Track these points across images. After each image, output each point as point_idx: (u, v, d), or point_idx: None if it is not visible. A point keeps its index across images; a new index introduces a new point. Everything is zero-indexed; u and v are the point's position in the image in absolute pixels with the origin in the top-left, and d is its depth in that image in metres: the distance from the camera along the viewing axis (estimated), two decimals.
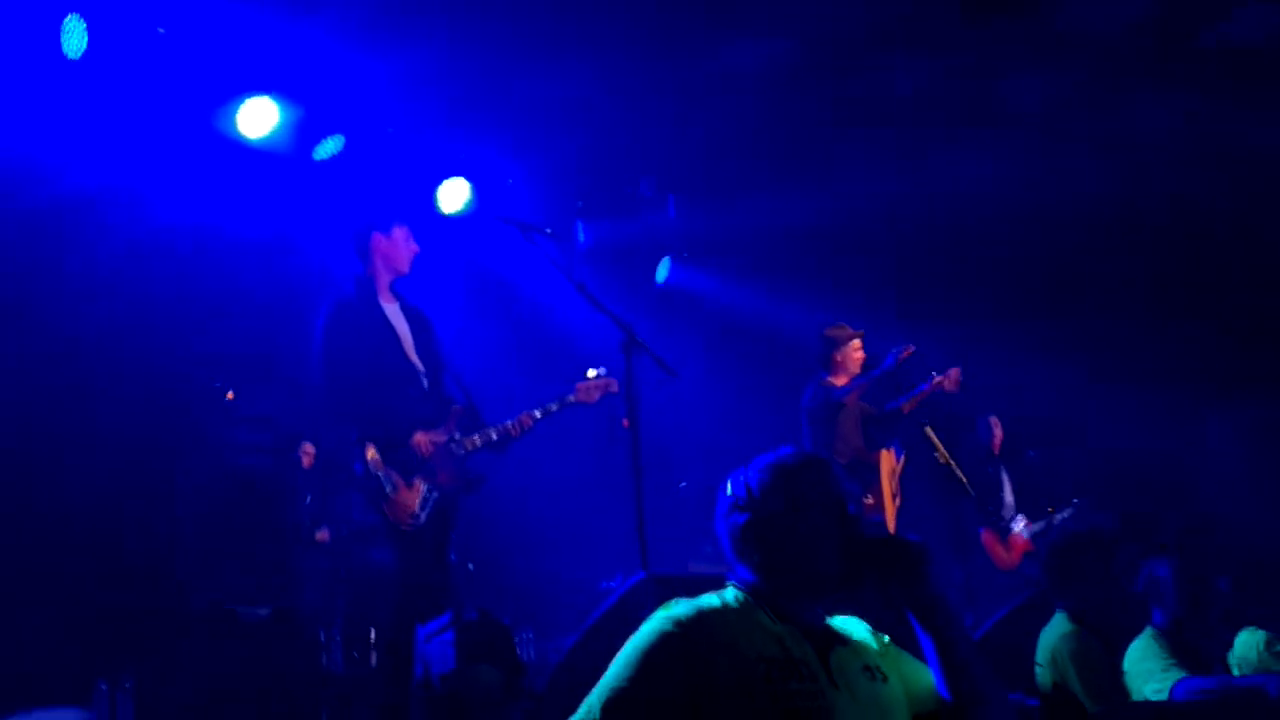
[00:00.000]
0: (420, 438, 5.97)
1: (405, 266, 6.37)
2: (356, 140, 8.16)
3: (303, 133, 7.91)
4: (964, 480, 7.59)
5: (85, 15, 6.59)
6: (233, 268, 7.82)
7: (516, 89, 8.04)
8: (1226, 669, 4.77)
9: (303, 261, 7.97)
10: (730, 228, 10.18)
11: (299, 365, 6.27)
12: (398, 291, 6.40)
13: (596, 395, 6.33)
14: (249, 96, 7.50)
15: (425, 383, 6.22)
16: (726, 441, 8.75)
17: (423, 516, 5.91)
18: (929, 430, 7.49)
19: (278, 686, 6.49)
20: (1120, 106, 8.63)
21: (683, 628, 2.59)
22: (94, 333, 7.07)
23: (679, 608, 2.65)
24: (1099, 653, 4.41)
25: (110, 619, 6.43)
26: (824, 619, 2.80)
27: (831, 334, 8.23)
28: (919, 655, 2.79)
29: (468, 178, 8.80)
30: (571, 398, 6.30)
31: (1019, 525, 9.37)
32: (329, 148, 8.07)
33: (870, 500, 7.84)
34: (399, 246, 6.34)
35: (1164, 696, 4.36)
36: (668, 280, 10.54)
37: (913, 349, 7.55)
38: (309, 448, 8.00)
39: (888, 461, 7.98)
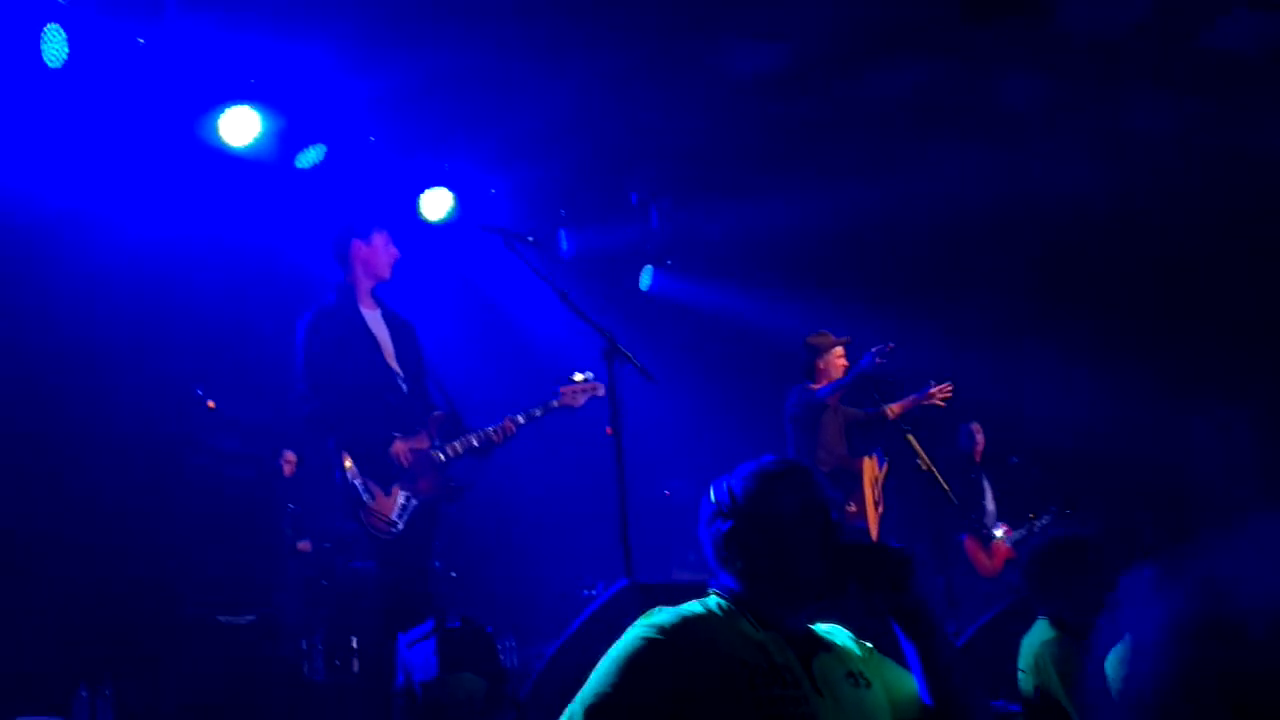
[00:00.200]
0: (399, 446, 5.96)
1: (386, 272, 6.35)
2: (338, 149, 8.16)
3: (285, 141, 7.91)
4: (946, 487, 7.59)
5: (65, 25, 6.58)
6: (214, 275, 7.79)
7: (503, 96, 8.04)
8: None
9: (285, 269, 7.95)
10: (722, 232, 10.20)
11: (281, 373, 6.25)
12: (379, 298, 6.38)
13: (582, 399, 6.30)
14: (231, 105, 7.49)
15: (405, 389, 6.21)
16: (710, 449, 8.75)
17: (400, 524, 5.90)
18: (911, 437, 7.49)
19: (259, 695, 6.48)
20: (1118, 108, 8.66)
21: (666, 634, 2.59)
22: (74, 341, 7.03)
23: (662, 615, 2.65)
24: (1081, 659, 4.41)
25: (91, 626, 6.40)
26: (807, 626, 2.81)
27: (814, 341, 8.22)
28: (902, 662, 2.79)
29: (451, 186, 8.81)
30: (555, 402, 6.28)
31: (1000, 532, 9.40)
32: (311, 157, 8.07)
33: (853, 508, 7.84)
34: (378, 252, 6.32)
35: None
36: (651, 287, 10.55)
37: (892, 346, 7.54)
38: (291, 456, 7.98)
39: (870, 469, 7.99)
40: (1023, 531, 9.28)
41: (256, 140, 7.64)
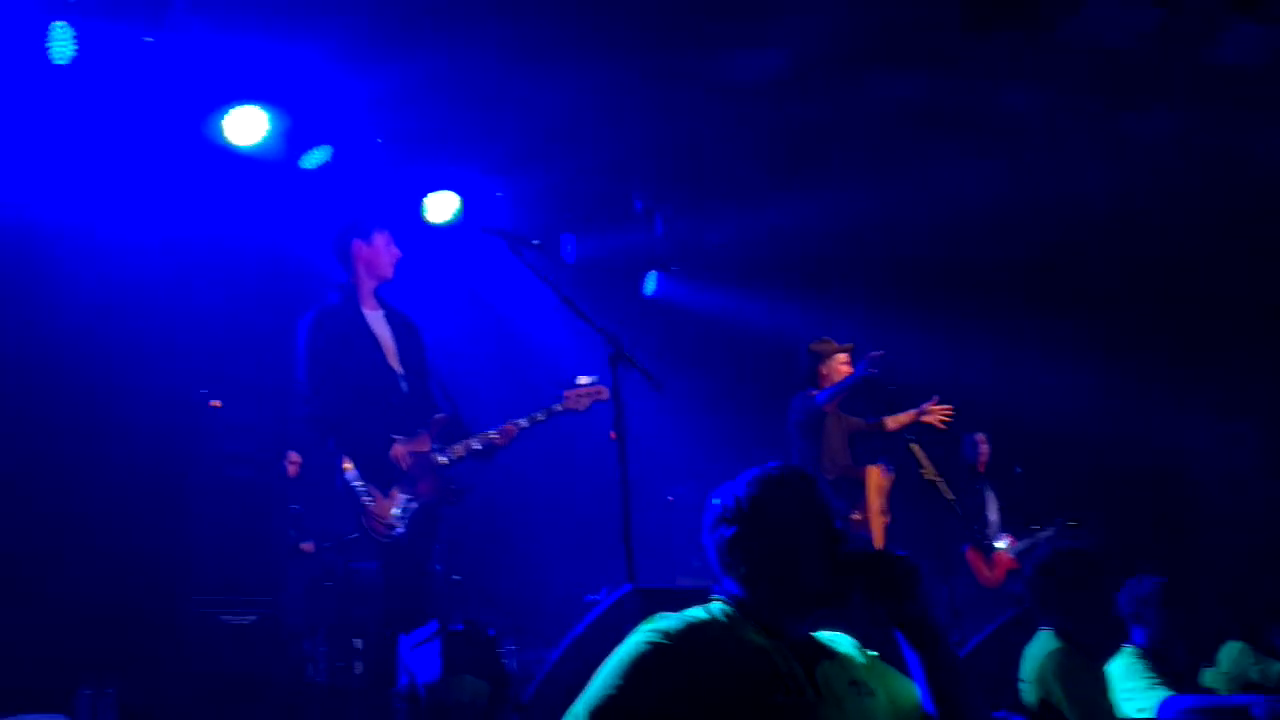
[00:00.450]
0: (399, 449, 5.95)
1: (388, 272, 6.35)
2: (345, 151, 8.16)
3: (292, 142, 7.91)
4: (950, 498, 7.58)
5: (72, 22, 6.58)
6: (219, 274, 7.80)
7: (507, 101, 8.04)
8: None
9: (291, 269, 7.95)
10: (725, 239, 10.19)
11: (285, 374, 6.25)
12: (382, 298, 6.38)
13: (587, 403, 6.29)
14: (237, 105, 7.50)
15: (406, 389, 6.20)
16: (714, 454, 8.74)
17: (400, 527, 5.90)
18: (915, 447, 7.49)
19: (262, 696, 6.47)
20: (1121, 118, 8.64)
21: (670, 639, 2.59)
22: (76, 340, 7.04)
23: (665, 620, 2.65)
24: (1085, 670, 4.41)
25: (94, 625, 6.40)
26: (810, 633, 2.81)
27: (817, 348, 8.22)
28: (905, 671, 2.79)
29: (456, 189, 8.81)
30: (559, 406, 6.27)
31: (1003, 543, 9.38)
32: (317, 158, 8.07)
33: (858, 516, 7.84)
34: (380, 252, 6.32)
35: (1149, 715, 4.36)
36: (656, 293, 10.55)
37: (881, 353, 7.56)
38: (295, 457, 7.97)
39: (875, 477, 7.97)
40: (1026, 542, 9.26)
41: (263, 140, 7.64)
